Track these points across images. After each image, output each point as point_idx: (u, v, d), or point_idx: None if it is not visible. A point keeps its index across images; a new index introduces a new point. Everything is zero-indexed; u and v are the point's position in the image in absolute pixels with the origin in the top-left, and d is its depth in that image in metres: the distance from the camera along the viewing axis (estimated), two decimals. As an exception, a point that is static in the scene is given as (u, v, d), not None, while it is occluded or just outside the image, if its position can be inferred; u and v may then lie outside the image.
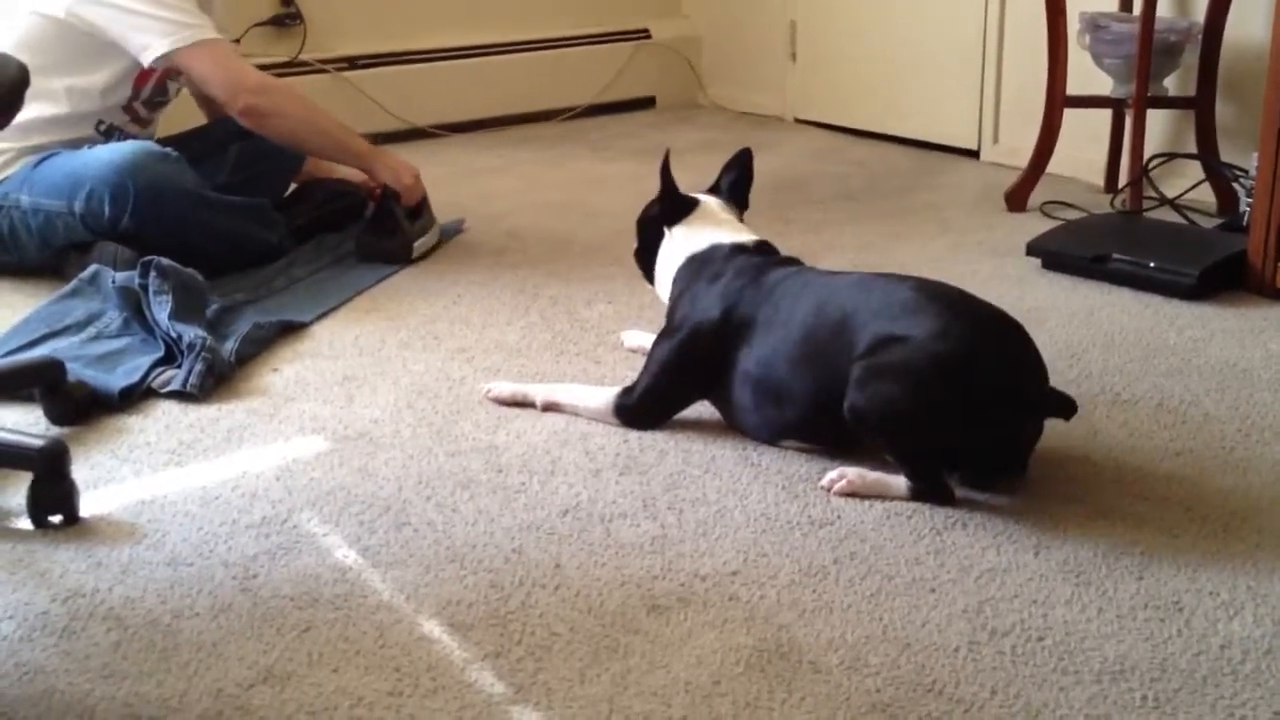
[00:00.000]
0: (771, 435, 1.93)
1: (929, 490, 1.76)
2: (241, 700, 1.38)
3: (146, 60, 2.59)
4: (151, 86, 2.76)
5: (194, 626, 1.51)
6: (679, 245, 2.08)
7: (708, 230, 2.08)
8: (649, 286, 2.21)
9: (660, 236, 2.12)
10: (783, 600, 1.54)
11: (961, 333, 1.74)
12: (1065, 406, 1.74)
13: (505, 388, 2.12)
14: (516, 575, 1.61)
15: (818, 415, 1.84)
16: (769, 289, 1.93)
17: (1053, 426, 1.96)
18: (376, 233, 2.82)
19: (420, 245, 2.84)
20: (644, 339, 2.23)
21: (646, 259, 2.17)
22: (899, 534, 1.69)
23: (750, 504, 1.78)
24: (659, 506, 1.77)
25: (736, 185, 2.18)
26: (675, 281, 2.07)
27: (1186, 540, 1.66)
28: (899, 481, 1.77)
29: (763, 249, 2.05)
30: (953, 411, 1.71)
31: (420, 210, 2.88)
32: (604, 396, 2.03)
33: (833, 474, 1.81)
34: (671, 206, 2.11)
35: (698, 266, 2.03)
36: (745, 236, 2.07)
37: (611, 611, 1.53)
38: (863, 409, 1.72)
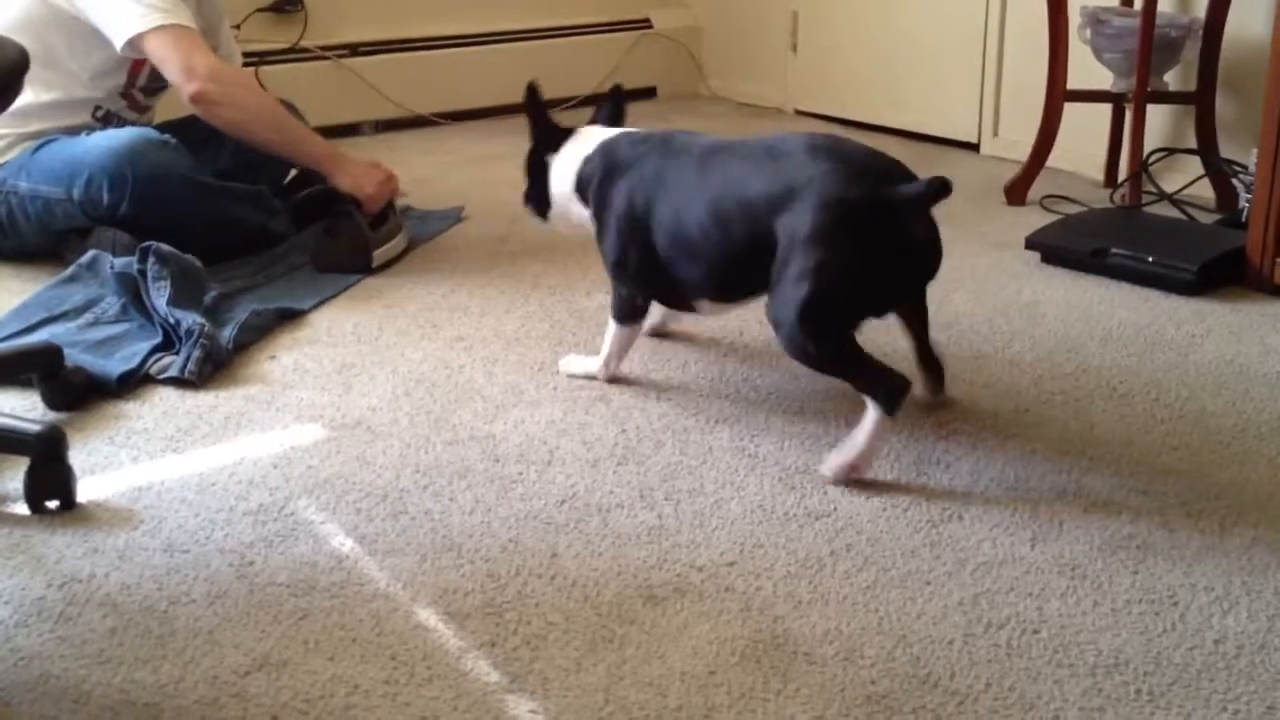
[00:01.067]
0: (691, 295, 2.01)
1: (886, 390, 1.77)
2: (237, 687, 1.38)
3: (117, 45, 2.58)
4: (147, 73, 2.75)
5: (190, 613, 1.51)
6: (566, 162, 2.14)
7: (590, 138, 2.15)
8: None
9: (545, 168, 2.18)
10: (779, 591, 1.55)
11: (832, 199, 1.76)
12: (939, 188, 1.74)
13: (571, 365, 2.20)
14: (513, 564, 1.61)
15: (726, 271, 1.90)
16: (659, 159, 2.00)
17: (1051, 417, 1.96)
18: (334, 241, 2.71)
19: (382, 254, 2.72)
20: (580, 364, 2.21)
21: (538, 193, 2.21)
22: (895, 526, 1.69)
23: (747, 495, 1.78)
24: (656, 497, 1.77)
25: (613, 117, 2.26)
26: (579, 188, 2.12)
27: (1182, 535, 1.66)
28: (870, 420, 1.79)
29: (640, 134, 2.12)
30: (851, 281, 1.76)
31: (386, 216, 2.78)
32: (609, 325, 2.13)
33: (830, 472, 1.81)
34: (548, 134, 2.20)
35: (589, 168, 2.10)
36: (621, 130, 2.16)
37: (608, 601, 1.53)
38: (786, 335, 1.79)
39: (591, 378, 2.16)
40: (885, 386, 1.78)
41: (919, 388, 1.96)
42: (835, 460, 1.81)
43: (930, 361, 2.03)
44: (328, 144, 2.78)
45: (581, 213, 2.13)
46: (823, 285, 1.74)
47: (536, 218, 2.26)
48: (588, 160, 2.11)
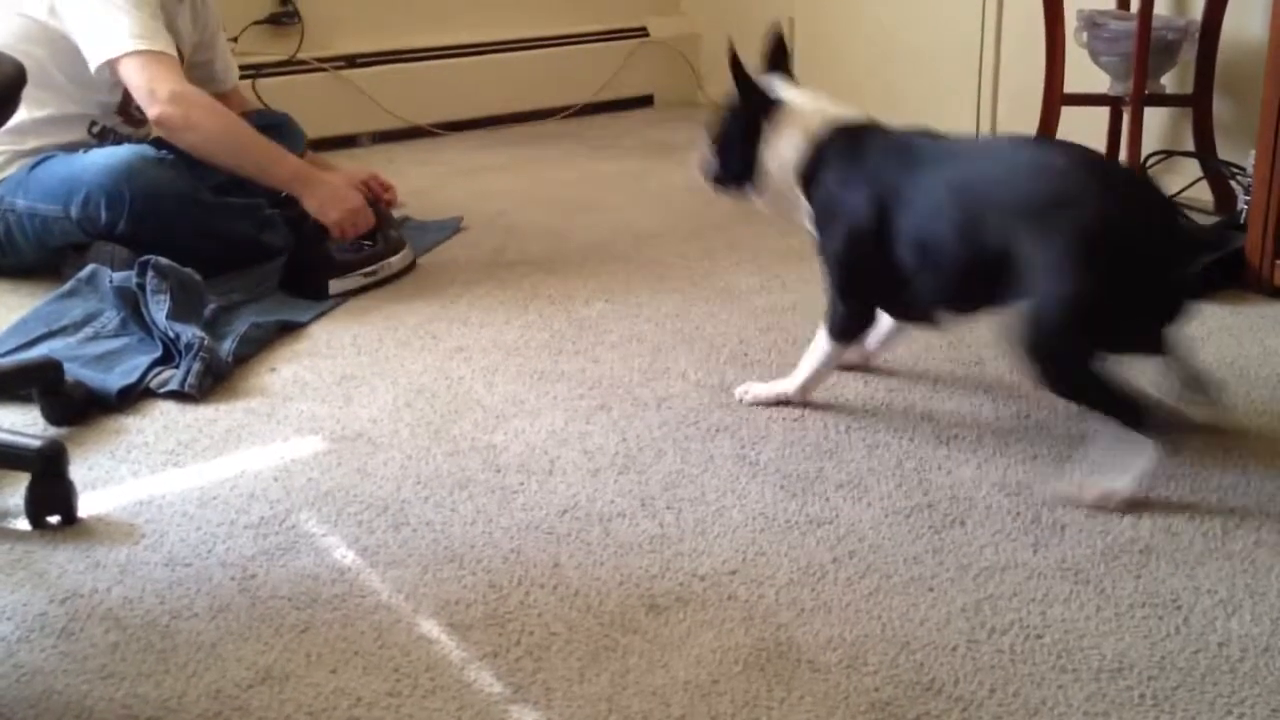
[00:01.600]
0: (928, 305, 1.89)
1: (1154, 422, 1.68)
2: (240, 701, 1.38)
3: (92, 68, 2.57)
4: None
5: (192, 627, 1.51)
6: (789, 138, 1.95)
7: (816, 116, 1.96)
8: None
9: (756, 134, 1.97)
10: (781, 599, 1.54)
11: (1108, 221, 1.66)
12: (1211, 233, 1.69)
13: (758, 390, 2.09)
14: (515, 575, 1.61)
15: (969, 278, 1.79)
16: (910, 158, 1.87)
17: (1052, 420, 1.96)
18: (294, 264, 2.66)
19: (341, 286, 2.61)
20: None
21: (741, 161, 1.99)
22: (897, 533, 1.69)
23: (749, 503, 1.77)
24: (657, 506, 1.77)
25: (786, 66, 2.08)
26: (804, 172, 1.94)
27: (1185, 538, 1.66)
28: (1140, 457, 1.71)
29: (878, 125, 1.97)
30: (1110, 311, 1.67)
31: (375, 236, 2.71)
32: (819, 342, 2.01)
33: (1098, 494, 1.73)
34: (758, 97, 1.98)
35: (821, 154, 1.93)
36: (854, 114, 1.98)
37: (610, 611, 1.53)
38: (1030, 358, 1.70)
39: (784, 401, 2.06)
40: (1145, 417, 1.69)
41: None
42: (1100, 488, 1.74)
43: (1191, 379, 1.90)
44: (298, 165, 2.68)
45: (798, 202, 1.97)
46: (1072, 312, 1.66)
47: (726, 189, 2.05)
48: (818, 145, 1.93)
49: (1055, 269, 1.66)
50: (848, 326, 1.99)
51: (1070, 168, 1.73)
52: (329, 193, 2.65)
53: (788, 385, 2.06)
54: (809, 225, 1.99)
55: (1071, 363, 1.71)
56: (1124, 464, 1.73)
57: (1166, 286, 1.72)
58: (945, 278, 1.81)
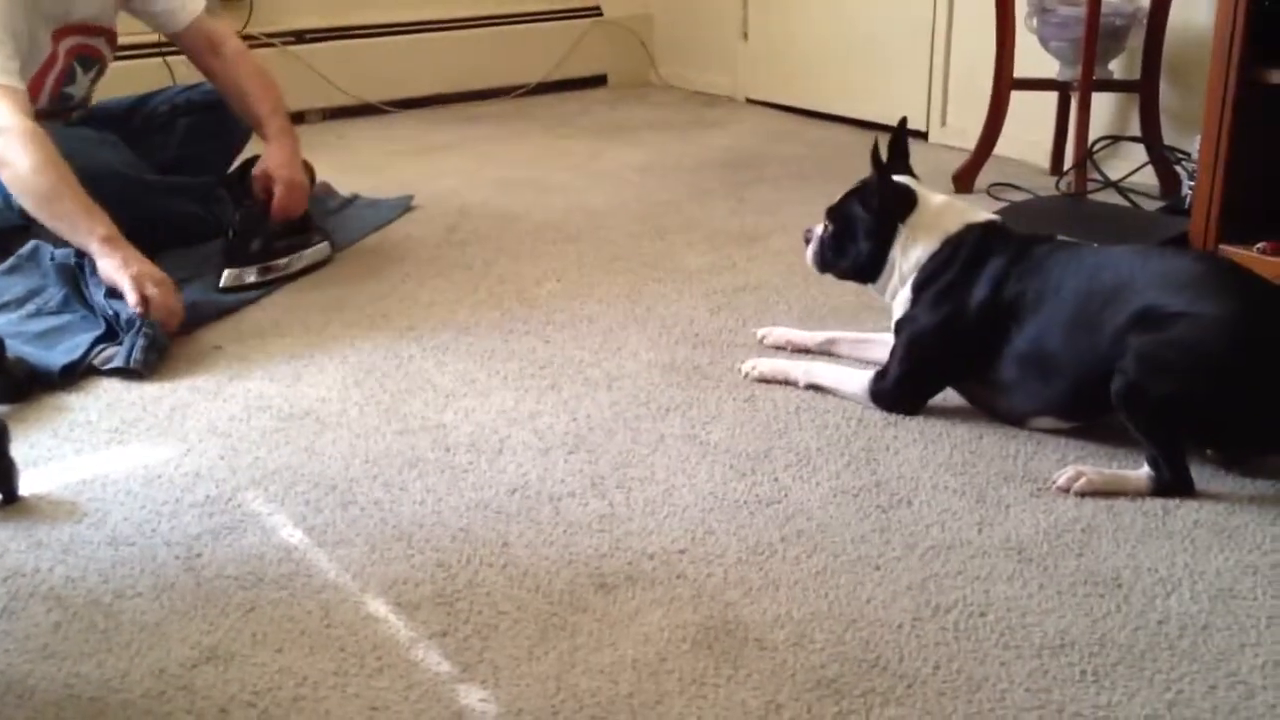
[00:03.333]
0: (1029, 411, 1.91)
1: (1174, 481, 1.73)
2: (184, 680, 1.36)
3: None
4: (47, 94, 2.64)
5: (136, 606, 1.50)
6: (924, 235, 1.98)
7: (949, 213, 1.99)
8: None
9: (892, 232, 2.00)
10: (730, 578, 1.55)
11: (1246, 310, 1.71)
12: None
13: (767, 365, 2.12)
14: (464, 554, 1.60)
15: (1083, 387, 1.80)
16: (1038, 262, 1.89)
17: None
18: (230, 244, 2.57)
19: (233, 278, 2.53)
20: (790, 335, 2.23)
21: (869, 256, 2.03)
22: (845, 512, 1.70)
23: (698, 483, 1.78)
24: (607, 485, 1.77)
25: (906, 161, 2.11)
26: (925, 270, 1.97)
27: (1126, 518, 1.68)
28: (1137, 475, 1.75)
29: (1007, 227, 2.00)
30: (1238, 391, 1.69)
31: (300, 227, 2.64)
32: (860, 381, 2.02)
33: (1069, 473, 1.77)
34: (902, 197, 2.01)
35: (952, 250, 1.95)
36: (986, 215, 2.01)
37: (559, 590, 1.53)
38: (1136, 386, 1.70)
39: (789, 381, 2.08)
40: (1176, 486, 1.73)
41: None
42: (1078, 480, 1.76)
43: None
44: (109, 233, 2.32)
45: (904, 296, 1.99)
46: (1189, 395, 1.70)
47: (848, 277, 2.10)
48: (946, 243, 1.96)
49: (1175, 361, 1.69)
50: (894, 401, 1.99)
51: (1204, 275, 1.77)
52: (127, 273, 2.26)
53: (800, 372, 2.08)
54: (897, 303, 2.01)
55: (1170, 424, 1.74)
56: (1119, 474, 1.77)
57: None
58: (1054, 385, 1.84)
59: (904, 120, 2.15)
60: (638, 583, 1.54)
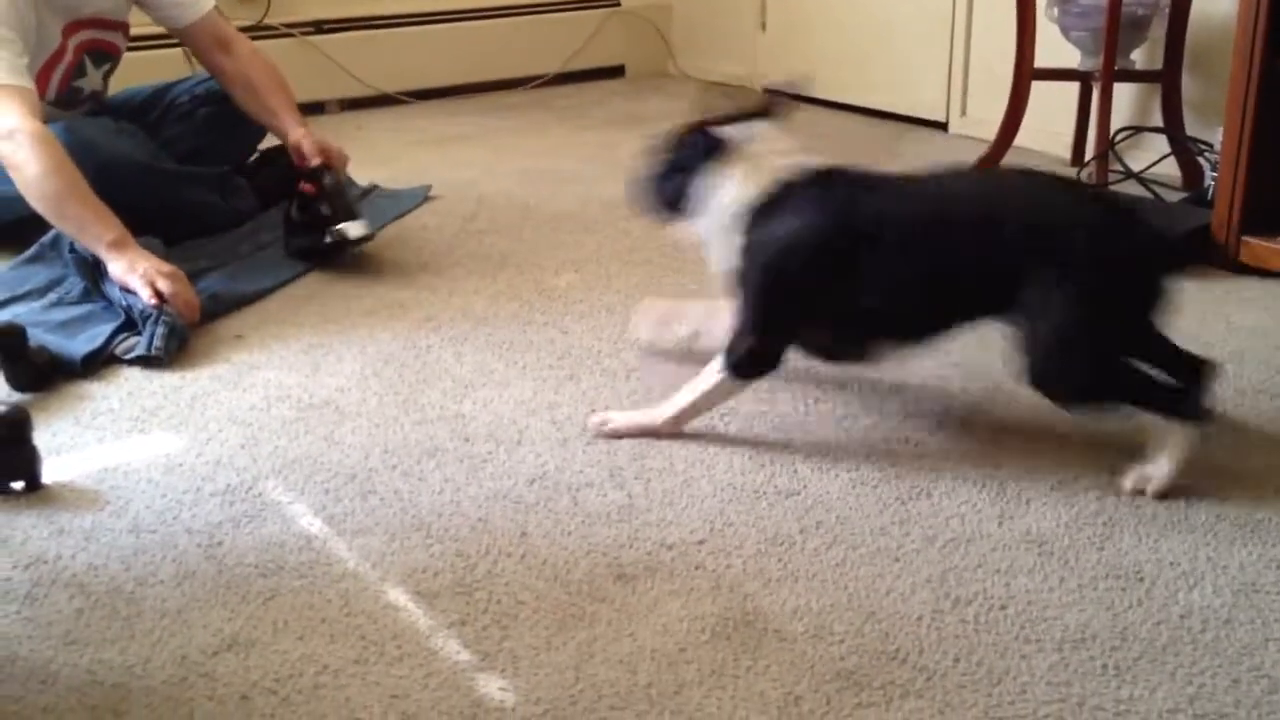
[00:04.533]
0: (875, 342, 1.85)
1: (1180, 405, 1.72)
2: (205, 667, 1.37)
3: None
4: (55, 88, 2.64)
5: (157, 594, 1.50)
6: (746, 183, 1.84)
7: (765, 165, 1.85)
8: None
9: (702, 172, 1.87)
10: (749, 569, 1.55)
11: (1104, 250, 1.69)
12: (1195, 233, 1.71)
13: (621, 421, 1.90)
14: (482, 544, 1.61)
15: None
16: (879, 196, 1.81)
17: (1019, 395, 1.98)
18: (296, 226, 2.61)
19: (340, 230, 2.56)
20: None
21: (677, 188, 1.89)
22: (864, 504, 1.70)
23: (717, 473, 1.78)
24: (626, 476, 1.77)
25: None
26: (749, 216, 1.82)
27: (1148, 511, 1.68)
28: (1172, 441, 1.71)
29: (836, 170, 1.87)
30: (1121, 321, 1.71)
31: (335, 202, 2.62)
32: (710, 372, 1.83)
33: (1140, 479, 1.73)
34: (719, 143, 1.87)
35: (782, 194, 1.82)
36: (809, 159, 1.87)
37: (578, 580, 1.53)
38: (1053, 380, 1.71)
39: (651, 434, 1.88)
40: (1181, 402, 1.72)
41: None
42: (1153, 476, 1.73)
43: (1189, 371, 1.84)
44: (119, 235, 2.32)
45: (725, 239, 1.84)
46: (1086, 325, 1.68)
47: (654, 212, 1.96)
48: (775, 195, 1.82)
49: (1061, 294, 1.67)
50: (749, 364, 1.83)
51: (1046, 192, 1.77)
52: (138, 271, 2.27)
53: (657, 415, 1.87)
54: (726, 260, 1.86)
55: (1096, 376, 1.72)
56: (1161, 452, 1.73)
57: (1156, 287, 1.73)
58: (919, 307, 1.79)
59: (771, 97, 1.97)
60: (656, 573, 1.54)
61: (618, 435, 1.88)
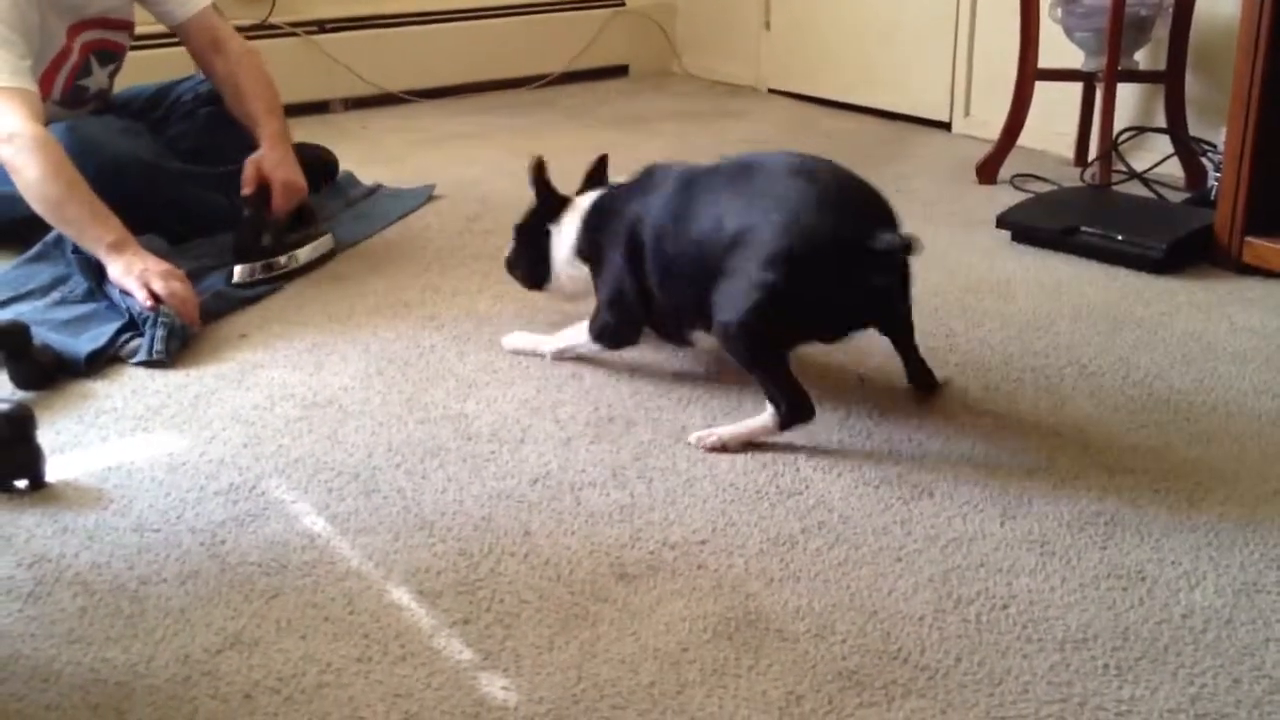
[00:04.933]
0: (682, 331, 2.01)
1: (790, 409, 1.82)
2: (209, 666, 1.37)
3: None
4: (60, 88, 2.65)
5: (161, 592, 1.51)
6: (568, 225, 2.13)
7: (586, 196, 2.15)
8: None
9: (546, 236, 2.16)
10: (751, 569, 1.55)
11: (793, 205, 1.79)
12: (903, 244, 1.76)
13: (518, 340, 2.20)
14: (485, 543, 1.61)
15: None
16: (659, 193, 1.99)
17: (1022, 395, 1.98)
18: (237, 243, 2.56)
19: (242, 274, 2.50)
20: (525, 341, 2.22)
21: (534, 264, 2.20)
22: (866, 503, 1.70)
23: (719, 473, 1.78)
24: (629, 475, 1.78)
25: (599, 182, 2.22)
26: (580, 245, 2.11)
27: (1150, 511, 1.68)
28: (761, 418, 1.84)
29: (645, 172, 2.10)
30: (796, 306, 1.78)
31: (299, 220, 2.64)
32: (580, 332, 2.12)
33: (700, 433, 1.86)
34: (553, 204, 2.18)
35: (594, 216, 2.10)
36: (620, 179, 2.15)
37: (580, 579, 1.53)
38: (721, 321, 1.81)
39: (538, 354, 2.17)
40: (789, 405, 1.82)
41: (912, 398, 2.01)
42: (711, 431, 1.86)
43: (919, 378, 2.03)
44: (120, 236, 2.33)
45: (579, 273, 2.13)
46: (764, 305, 1.76)
47: (528, 287, 2.26)
48: (585, 220, 2.11)
49: (756, 262, 1.77)
50: (608, 335, 2.09)
51: (781, 170, 1.85)
52: (136, 272, 2.28)
53: (548, 345, 2.16)
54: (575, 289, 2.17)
55: (760, 347, 1.83)
56: (744, 425, 1.86)
57: (855, 292, 1.81)
58: (690, 296, 1.90)
59: (602, 157, 2.27)
60: (659, 573, 1.54)
61: (517, 351, 2.18)
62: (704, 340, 1.99)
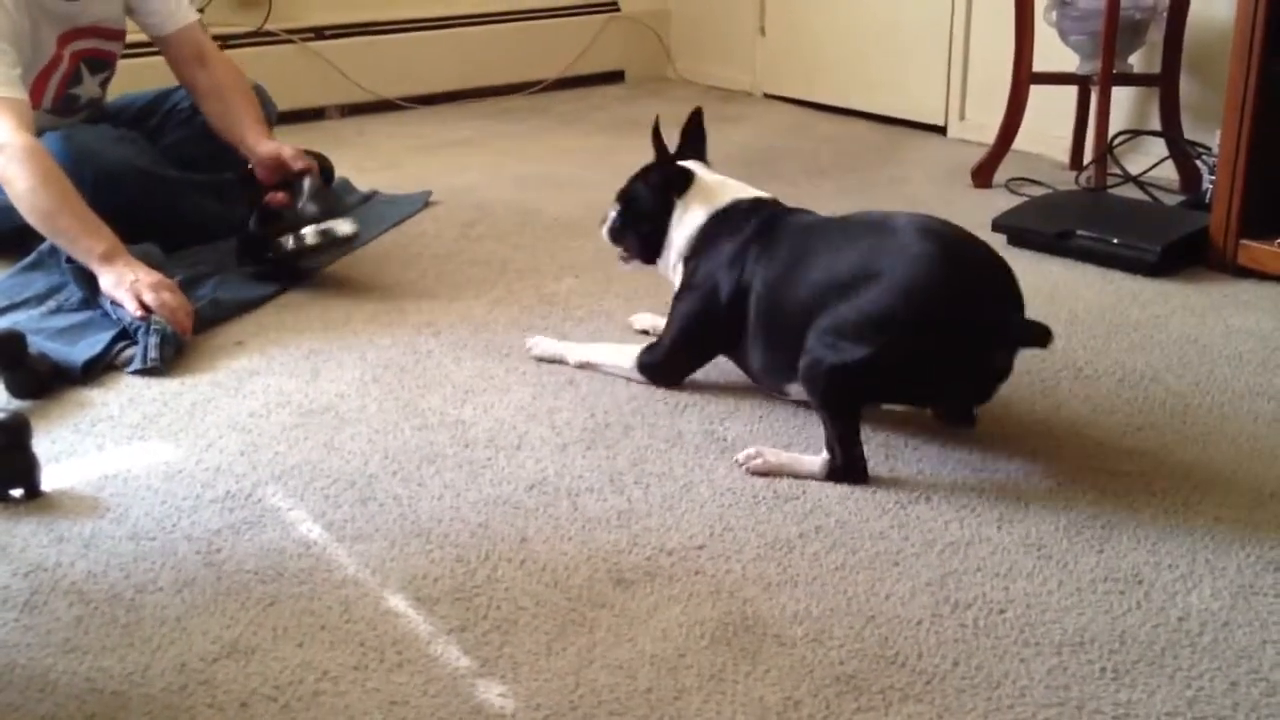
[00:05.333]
0: (781, 381, 1.92)
1: (845, 466, 1.76)
2: (205, 674, 1.37)
3: None
4: (51, 96, 2.63)
5: (157, 601, 1.51)
6: (695, 210, 2.04)
7: (722, 189, 2.06)
8: (623, 265, 2.20)
9: (669, 207, 2.06)
10: (748, 574, 1.55)
11: (918, 269, 1.71)
12: (1039, 335, 1.72)
13: (546, 345, 2.18)
14: (482, 549, 1.61)
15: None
16: (781, 235, 1.92)
17: (1018, 399, 1.98)
18: (247, 240, 2.56)
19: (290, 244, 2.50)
20: (653, 321, 2.25)
21: (650, 232, 2.09)
22: (864, 508, 1.70)
23: (716, 478, 1.78)
24: (625, 481, 1.78)
25: (701, 147, 2.16)
26: (694, 244, 2.02)
27: (1147, 514, 1.68)
28: (812, 459, 1.78)
29: (776, 203, 2.04)
30: (910, 351, 1.71)
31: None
32: (629, 355, 2.08)
33: (750, 450, 1.81)
34: (677, 175, 2.07)
35: (718, 223, 2.01)
36: (758, 192, 2.06)
37: (578, 585, 1.53)
38: (811, 358, 1.74)
39: (560, 361, 2.15)
40: (846, 461, 1.76)
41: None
42: (755, 460, 1.80)
43: (956, 417, 1.94)
44: (111, 246, 2.31)
45: (675, 274, 2.07)
46: (868, 361, 1.70)
47: (629, 261, 2.18)
48: (714, 217, 2.02)
49: (860, 316, 1.71)
50: (659, 373, 2.06)
51: (908, 238, 1.77)
52: (129, 280, 2.26)
53: (573, 353, 2.14)
54: (676, 278, 2.08)
55: (842, 392, 1.75)
56: (798, 457, 1.80)
57: (969, 367, 1.77)
58: (794, 346, 1.80)
59: (698, 110, 2.16)
60: (656, 578, 1.54)
61: (542, 358, 2.16)
62: (800, 393, 1.86)
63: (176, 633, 1.44)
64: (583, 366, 2.13)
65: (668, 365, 2.05)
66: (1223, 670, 1.37)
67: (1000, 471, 1.79)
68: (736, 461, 1.80)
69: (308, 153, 2.80)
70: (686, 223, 2.04)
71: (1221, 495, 1.72)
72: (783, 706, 1.31)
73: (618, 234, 2.16)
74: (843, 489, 1.74)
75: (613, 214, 2.16)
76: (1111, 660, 1.38)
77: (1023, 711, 1.30)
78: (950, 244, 1.77)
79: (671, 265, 2.08)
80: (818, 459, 1.77)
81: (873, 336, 1.70)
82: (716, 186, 2.07)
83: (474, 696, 1.34)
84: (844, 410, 1.76)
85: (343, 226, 2.50)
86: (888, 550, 1.60)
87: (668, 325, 2.06)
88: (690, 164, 2.10)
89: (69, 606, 1.50)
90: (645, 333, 2.27)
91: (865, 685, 1.34)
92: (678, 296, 2.05)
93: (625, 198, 2.14)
